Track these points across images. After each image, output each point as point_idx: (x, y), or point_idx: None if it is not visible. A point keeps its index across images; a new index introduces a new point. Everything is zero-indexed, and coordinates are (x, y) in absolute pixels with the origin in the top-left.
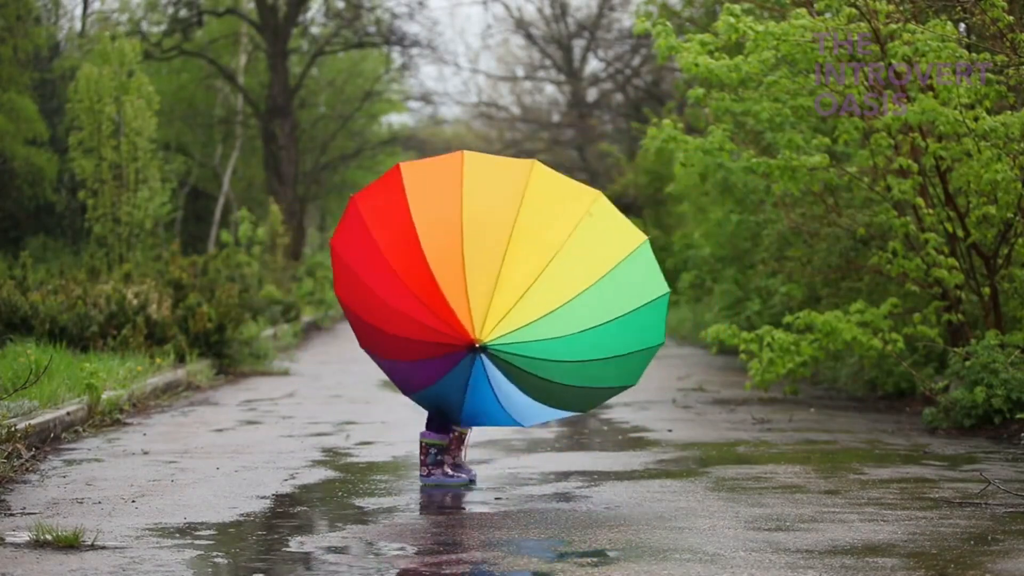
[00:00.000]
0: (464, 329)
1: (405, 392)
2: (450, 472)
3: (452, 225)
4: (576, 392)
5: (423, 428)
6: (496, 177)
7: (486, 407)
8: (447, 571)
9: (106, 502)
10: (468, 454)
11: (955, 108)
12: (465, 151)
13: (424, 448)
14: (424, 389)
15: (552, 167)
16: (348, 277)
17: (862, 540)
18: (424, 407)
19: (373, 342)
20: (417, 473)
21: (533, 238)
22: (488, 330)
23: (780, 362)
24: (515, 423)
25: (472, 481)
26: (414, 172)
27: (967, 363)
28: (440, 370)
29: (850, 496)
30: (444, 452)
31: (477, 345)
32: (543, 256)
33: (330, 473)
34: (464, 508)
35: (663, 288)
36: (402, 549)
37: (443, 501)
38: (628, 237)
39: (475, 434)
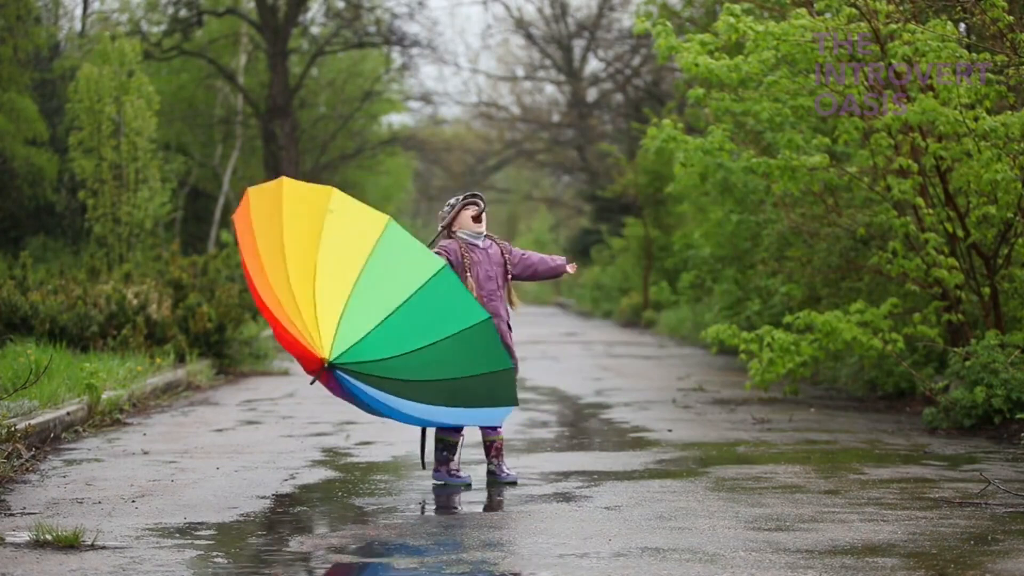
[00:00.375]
0: (318, 349)
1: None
2: (455, 471)
3: (279, 257)
4: (457, 385)
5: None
6: (308, 210)
7: (403, 415)
8: (447, 571)
9: (106, 502)
10: (464, 455)
11: (955, 108)
12: (284, 179)
13: (436, 445)
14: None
15: (552, 167)
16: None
17: (862, 540)
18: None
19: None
20: (417, 473)
21: (309, 264)
22: (328, 349)
23: (780, 362)
24: (459, 423)
25: (514, 482)
26: (256, 196)
27: (967, 363)
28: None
29: (850, 496)
30: (451, 450)
31: (327, 364)
32: (313, 275)
33: (330, 473)
34: (464, 508)
35: (434, 264)
36: (402, 549)
37: (442, 501)
38: (370, 223)
39: (476, 435)
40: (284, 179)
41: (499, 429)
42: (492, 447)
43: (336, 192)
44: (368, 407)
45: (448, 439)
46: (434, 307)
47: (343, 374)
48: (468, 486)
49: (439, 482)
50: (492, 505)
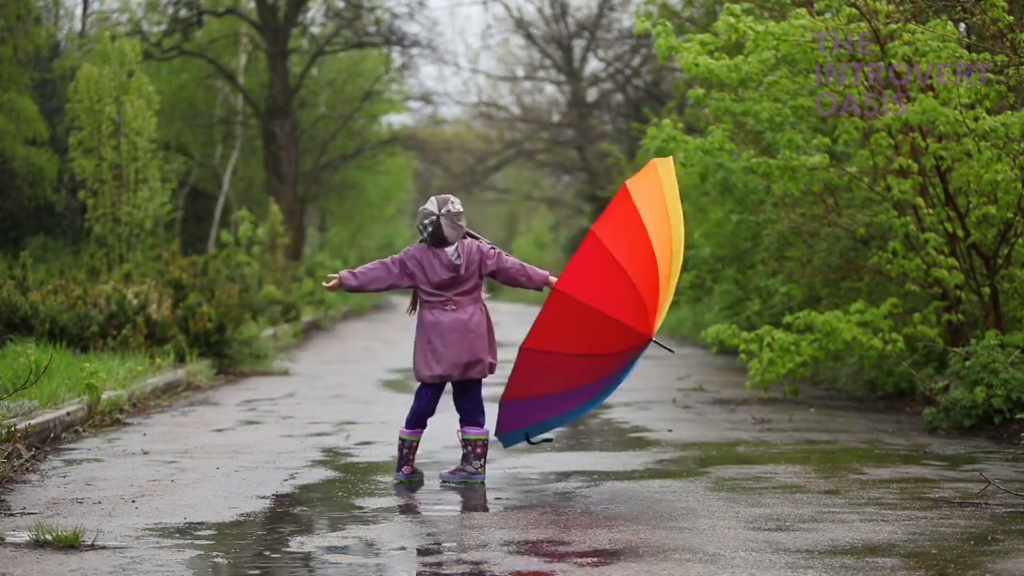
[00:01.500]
0: (651, 325)
1: (517, 428)
2: (451, 471)
3: (645, 234)
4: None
5: (460, 426)
6: (650, 186)
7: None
8: (447, 571)
9: (106, 502)
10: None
11: (955, 108)
12: (657, 160)
13: (470, 444)
14: (568, 412)
15: (552, 167)
16: (569, 315)
17: (862, 540)
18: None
19: (545, 375)
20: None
21: (668, 236)
22: (655, 325)
23: (780, 362)
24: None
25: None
26: (637, 188)
27: (967, 363)
28: (619, 369)
29: (850, 496)
30: (409, 448)
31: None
32: (670, 252)
33: (330, 473)
34: (464, 508)
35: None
36: (402, 549)
37: (443, 501)
38: (667, 184)
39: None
40: (657, 161)
41: (483, 428)
42: (479, 445)
43: (657, 164)
44: (572, 413)
45: (411, 439)
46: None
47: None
48: (463, 483)
49: (453, 481)
50: (492, 505)
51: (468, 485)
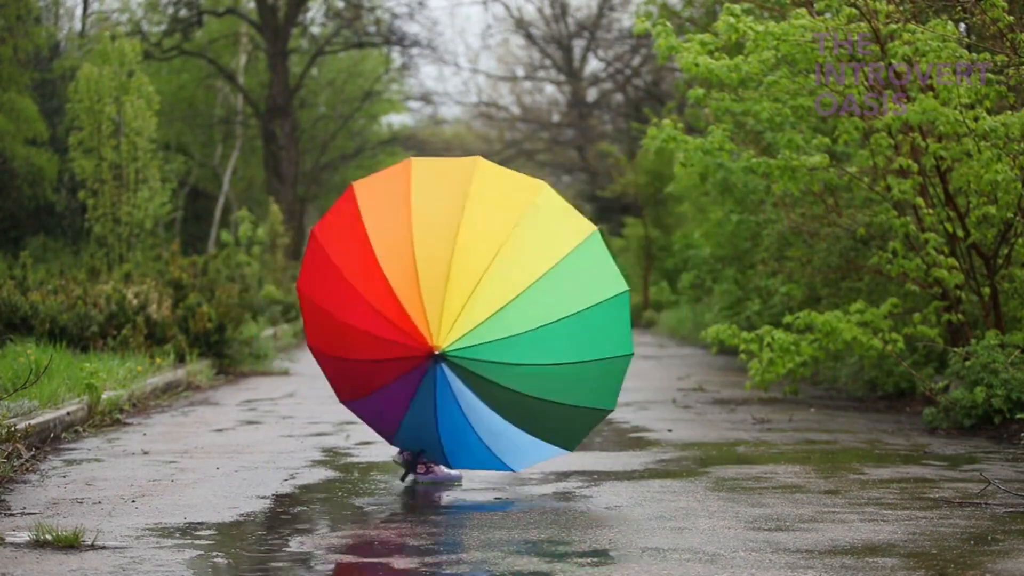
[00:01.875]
0: (423, 336)
1: (389, 439)
2: (445, 469)
3: (403, 233)
4: (551, 412)
5: None
6: (441, 179)
7: (465, 439)
8: (447, 571)
9: (106, 502)
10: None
11: (955, 108)
12: (413, 158)
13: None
14: (401, 422)
15: (552, 167)
16: (316, 316)
17: (862, 540)
18: (410, 448)
19: (347, 380)
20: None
21: (479, 236)
22: (443, 336)
23: (780, 362)
24: (504, 466)
25: (459, 480)
26: (366, 188)
27: (967, 363)
28: (409, 390)
29: (850, 496)
30: None
31: (436, 353)
32: (488, 253)
33: (330, 473)
34: (464, 508)
35: (620, 285)
36: (402, 549)
37: (442, 501)
38: (576, 227)
39: None
40: (413, 159)
41: None
42: None
43: (480, 161)
44: (451, 438)
45: None
46: (590, 326)
47: (449, 368)
48: (460, 482)
49: (425, 481)
50: (492, 505)
51: (442, 485)
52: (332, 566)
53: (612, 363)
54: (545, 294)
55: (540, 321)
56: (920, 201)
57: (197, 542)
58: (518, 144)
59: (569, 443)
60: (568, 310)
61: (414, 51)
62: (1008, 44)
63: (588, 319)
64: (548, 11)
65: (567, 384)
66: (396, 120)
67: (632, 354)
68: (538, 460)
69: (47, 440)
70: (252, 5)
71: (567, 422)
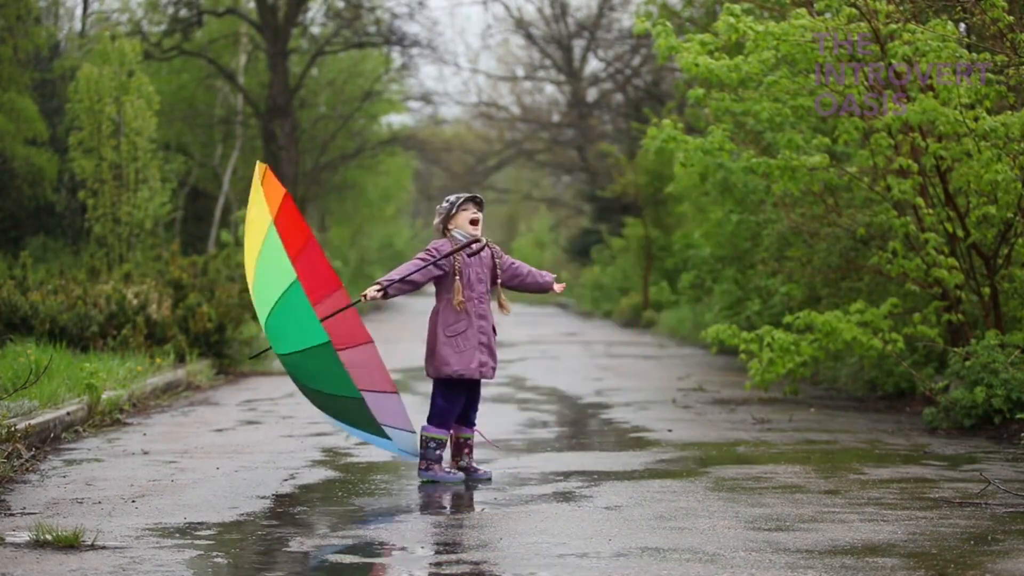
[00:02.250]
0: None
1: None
2: (447, 469)
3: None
4: (325, 398)
5: (424, 423)
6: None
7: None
8: (447, 571)
9: (106, 502)
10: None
11: (955, 108)
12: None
13: (424, 441)
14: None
15: (552, 167)
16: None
17: (862, 540)
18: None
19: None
20: (416, 471)
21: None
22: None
23: (780, 362)
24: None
25: (489, 479)
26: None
27: (967, 363)
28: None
29: (850, 496)
30: (442, 447)
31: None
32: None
33: (330, 473)
34: (464, 508)
35: (290, 276)
36: (402, 549)
37: (443, 501)
38: (255, 218)
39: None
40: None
41: (475, 427)
42: (467, 444)
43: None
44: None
45: (438, 437)
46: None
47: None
48: (462, 483)
49: (427, 479)
50: (492, 505)
51: (442, 485)
52: (332, 566)
53: (315, 352)
54: (258, 293)
55: (262, 316)
56: (920, 201)
57: (197, 542)
58: (518, 144)
59: (372, 430)
60: (268, 306)
61: (414, 51)
62: (1008, 44)
63: (285, 313)
64: (548, 11)
65: (315, 373)
66: (396, 120)
67: (326, 341)
68: (385, 447)
69: (47, 440)
70: (252, 5)
71: (336, 405)
